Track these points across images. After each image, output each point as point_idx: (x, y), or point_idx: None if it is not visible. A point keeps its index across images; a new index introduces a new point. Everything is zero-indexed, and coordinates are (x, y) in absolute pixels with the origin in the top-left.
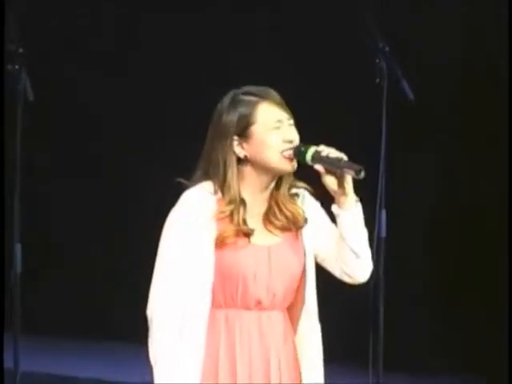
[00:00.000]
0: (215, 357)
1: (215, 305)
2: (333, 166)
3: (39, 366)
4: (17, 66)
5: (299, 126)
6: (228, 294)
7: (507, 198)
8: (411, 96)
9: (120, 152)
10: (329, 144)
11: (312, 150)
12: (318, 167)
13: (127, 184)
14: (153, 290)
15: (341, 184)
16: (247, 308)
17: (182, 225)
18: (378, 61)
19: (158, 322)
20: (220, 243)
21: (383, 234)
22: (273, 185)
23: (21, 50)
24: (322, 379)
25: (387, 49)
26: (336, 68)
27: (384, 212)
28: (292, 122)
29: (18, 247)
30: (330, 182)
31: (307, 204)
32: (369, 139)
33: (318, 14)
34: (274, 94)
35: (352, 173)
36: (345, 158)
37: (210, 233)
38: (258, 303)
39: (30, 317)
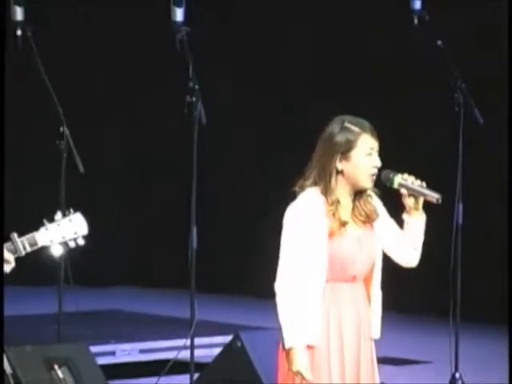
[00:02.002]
0: (326, 317)
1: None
2: (416, 192)
3: (210, 316)
4: (194, 99)
5: (398, 142)
6: (334, 271)
7: None
8: (481, 120)
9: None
10: (421, 153)
11: (399, 177)
12: (403, 191)
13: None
14: (280, 269)
15: (416, 202)
16: (346, 281)
17: (303, 219)
18: (456, 95)
19: (284, 295)
20: (330, 234)
21: (460, 220)
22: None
23: (197, 87)
24: (379, 335)
25: (463, 86)
26: (425, 100)
27: (461, 205)
28: (377, 149)
29: (194, 230)
30: (410, 201)
31: (375, 203)
32: (449, 150)
33: (408, 57)
34: (370, 127)
35: (433, 200)
36: (424, 185)
37: (324, 226)
38: (354, 277)
39: (203, 279)
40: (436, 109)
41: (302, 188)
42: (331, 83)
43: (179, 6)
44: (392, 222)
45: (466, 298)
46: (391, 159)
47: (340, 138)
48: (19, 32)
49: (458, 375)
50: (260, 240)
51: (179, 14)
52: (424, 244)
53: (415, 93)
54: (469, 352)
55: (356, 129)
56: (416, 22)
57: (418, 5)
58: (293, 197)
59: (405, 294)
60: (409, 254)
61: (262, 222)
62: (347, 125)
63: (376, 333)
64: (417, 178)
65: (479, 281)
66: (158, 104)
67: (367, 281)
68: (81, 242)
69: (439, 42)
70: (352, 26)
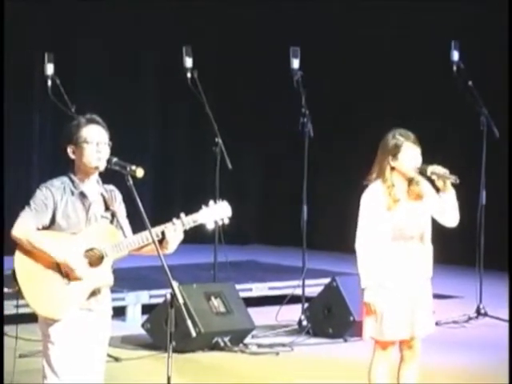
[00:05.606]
0: (392, 264)
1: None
2: (441, 176)
3: (315, 265)
4: (305, 120)
5: (442, 151)
6: (395, 233)
7: None
8: (497, 135)
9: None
10: (454, 156)
11: (431, 168)
12: (434, 177)
13: None
14: (358, 234)
15: (445, 183)
16: (405, 240)
17: (372, 200)
18: (482, 119)
19: (361, 251)
20: (388, 208)
21: (483, 202)
22: None
23: (307, 112)
24: (431, 274)
25: (486, 112)
26: (458, 122)
27: (484, 192)
28: (419, 150)
29: (305, 208)
30: (440, 183)
31: (425, 185)
32: (475, 157)
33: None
34: (413, 137)
35: (453, 180)
36: (447, 172)
37: (383, 204)
38: (411, 237)
39: (310, 239)
40: (467, 128)
41: (370, 181)
42: (394, 109)
43: (296, 57)
44: (437, 197)
45: (487, 251)
46: (437, 159)
47: (390, 144)
48: (189, 75)
49: (481, 306)
50: (355, 210)
51: (296, 63)
52: (461, 216)
53: (453, 117)
54: (489, 290)
55: (401, 138)
56: (455, 69)
57: (456, 57)
58: (365, 186)
59: (444, 248)
60: (448, 218)
61: (353, 200)
62: (396, 135)
63: (430, 273)
64: (451, 172)
65: (497, 239)
66: (278, 123)
67: (422, 239)
68: (226, 221)
69: (470, 83)
70: (409, 73)
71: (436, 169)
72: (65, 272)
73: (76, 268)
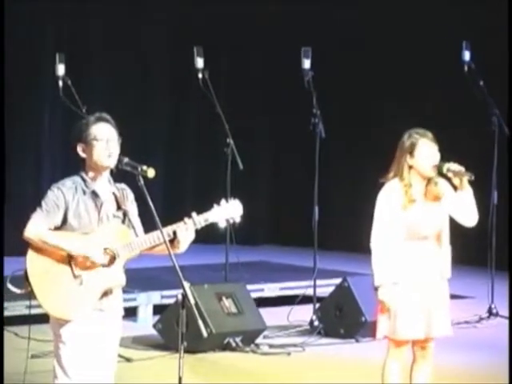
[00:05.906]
0: (405, 264)
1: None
2: (458, 174)
3: (326, 265)
4: (316, 120)
5: (455, 152)
6: (409, 233)
7: None
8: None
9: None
10: (466, 157)
11: (447, 165)
12: (450, 174)
13: None
14: (373, 233)
15: (461, 181)
16: (419, 239)
17: (389, 199)
18: (493, 119)
19: (375, 250)
20: (403, 207)
21: (495, 202)
22: None
23: (318, 113)
24: (450, 275)
25: (497, 112)
26: (469, 122)
27: (496, 192)
28: (436, 147)
29: (316, 208)
30: (456, 181)
31: (443, 184)
32: (487, 158)
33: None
34: (430, 134)
35: (468, 177)
36: (463, 169)
37: (399, 204)
38: (425, 237)
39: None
40: (479, 128)
41: (388, 179)
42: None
43: (307, 58)
44: (455, 196)
45: (499, 252)
46: (448, 159)
47: (407, 142)
48: (200, 75)
49: (493, 306)
50: (366, 210)
51: (307, 63)
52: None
53: (464, 117)
54: (501, 290)
55: (417, 136)
56: (466, 69)
57: (467, 57)
58: (382, 185)
59: (455, 248)
60: (466, 217)
61: (364, 200)
62: (413, 134)
63: (448, 274)
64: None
65: (510, 239)
66: (292, 124)
67: (438, 239)
68: (238, 220)
69: (481, 83)
70: (421, 75)
71: (452, 166)
72: (83, 265)
73: (94, 254)
